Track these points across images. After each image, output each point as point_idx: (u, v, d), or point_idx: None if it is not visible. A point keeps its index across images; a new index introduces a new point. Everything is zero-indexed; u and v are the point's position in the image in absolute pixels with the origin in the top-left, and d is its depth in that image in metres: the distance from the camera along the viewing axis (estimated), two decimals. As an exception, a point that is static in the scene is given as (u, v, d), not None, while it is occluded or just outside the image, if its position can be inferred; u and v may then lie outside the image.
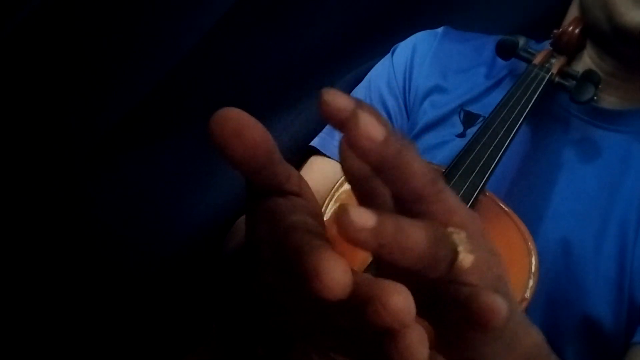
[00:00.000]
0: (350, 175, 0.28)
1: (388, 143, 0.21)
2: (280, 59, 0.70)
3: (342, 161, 0.28)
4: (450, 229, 0.25)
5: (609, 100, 0.65)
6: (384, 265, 0.29)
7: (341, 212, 0.20)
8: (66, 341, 0.58)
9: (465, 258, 0.25)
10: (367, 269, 0.51)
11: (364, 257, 0.53)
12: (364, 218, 0.20)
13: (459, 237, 0.25)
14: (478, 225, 0.27)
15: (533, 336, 0.32)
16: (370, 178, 0.28)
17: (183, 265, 0.64)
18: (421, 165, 0.23)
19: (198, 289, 0.64)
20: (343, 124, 0.21)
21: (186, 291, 0.64)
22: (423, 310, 0.25)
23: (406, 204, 0.24)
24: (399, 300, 0.21)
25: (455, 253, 0.25)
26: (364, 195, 0.28)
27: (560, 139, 0.64)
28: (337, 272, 0.20)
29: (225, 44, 0.64)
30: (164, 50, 0.59)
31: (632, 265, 0.55)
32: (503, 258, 0.52)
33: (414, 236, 0.22)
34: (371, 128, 0.21)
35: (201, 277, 0.64)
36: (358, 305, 0.21)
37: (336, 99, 0.21)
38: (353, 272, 0.21)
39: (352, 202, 0.64)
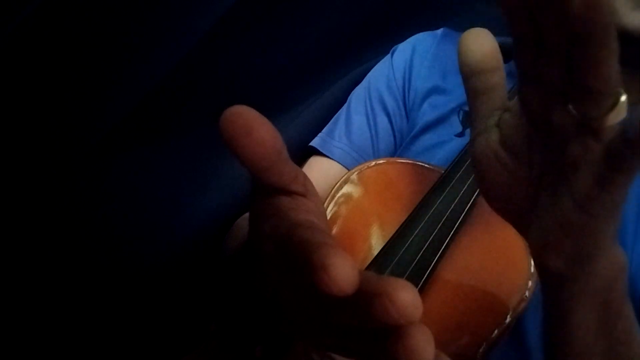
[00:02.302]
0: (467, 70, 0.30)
1: None
2: (279, 59, 0.70)
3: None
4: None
5: (608, 101, 0.65)
6: None
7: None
8: (66, 341, 0.58)
9: None
10: (368, 269, 0.51)
11: (364, 258, 0.53)
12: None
13: None
14: None
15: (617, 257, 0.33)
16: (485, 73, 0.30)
17: (183, 266, 0.64)
18: None
19: (198, 289, 0.64)
20: None
21: (186, 291, 0.64)
22: None
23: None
24: (407, 295, 0.21)
25: None
26: (477, 92, 0.31)
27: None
28: (344, 267, 0.20)
29: (224, 44, 0.64)
30: (164, 51, 0.59)
31: (631, 265, 0.55)
32: (502, 259, 0.52)
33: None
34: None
35: (201, 277, 0.64)
36: (363, 301, 0.21)
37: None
38: (360, 269, 0.21)
39: (352, 204, 0.64)
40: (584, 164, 0.27)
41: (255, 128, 0.24)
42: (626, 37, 0.58)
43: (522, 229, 0.33)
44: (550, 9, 0.23)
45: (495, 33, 0.78)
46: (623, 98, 0.26)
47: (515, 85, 0.63)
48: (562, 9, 0.23)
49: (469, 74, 0.30)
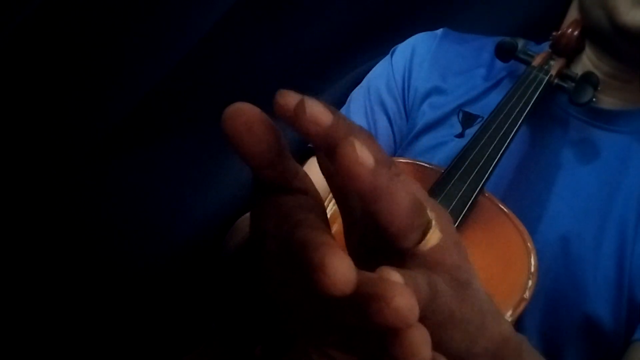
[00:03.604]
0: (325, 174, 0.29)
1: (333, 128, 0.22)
2: (279, 60, 0.70)
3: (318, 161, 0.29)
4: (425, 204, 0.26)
5: (608, 101, 0.65)
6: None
7: (348, 143, 0.21)
8: (66, 341, 0.58)
9: (434, 234, 0.26)
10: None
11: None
12: (365, 155, 0.21)
13: (432, 214, 0.26)
14: (446, 215, 0.28)
15: (502, 327, 0.32)
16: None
17: (183, 266, 0.64)
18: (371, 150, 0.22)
19: (198, 288, 0.64)
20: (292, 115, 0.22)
21: (186, 291, 0.64)
22: None
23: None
24: (403, 299, 0.21)
25: (428, 226, 0.26)
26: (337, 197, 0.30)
27: (559, 140, 0.65)
28: (342, 268, 0.20)
29: (224, 44, 0.64)
30: (164, 51, 0.59)
31: (631, 264, 0.55)
32: (502, 259, 0.51)
33: (402, 191, 0.23)
34: (317, 113, 0.22)
35: (201, 277, 0.64)
36: (361, 302, 0.21)
37: (286, 96, 0.23)
38: (358, 270, 0.21)
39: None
40: None
41: (257, 125, 0.24)
42: (625, 34, 0.58)
43: None
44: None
45: (496, 33, 0.78)
46: (433, 223, 0.26)
47: (513, 88, 0.63)
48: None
49: None
